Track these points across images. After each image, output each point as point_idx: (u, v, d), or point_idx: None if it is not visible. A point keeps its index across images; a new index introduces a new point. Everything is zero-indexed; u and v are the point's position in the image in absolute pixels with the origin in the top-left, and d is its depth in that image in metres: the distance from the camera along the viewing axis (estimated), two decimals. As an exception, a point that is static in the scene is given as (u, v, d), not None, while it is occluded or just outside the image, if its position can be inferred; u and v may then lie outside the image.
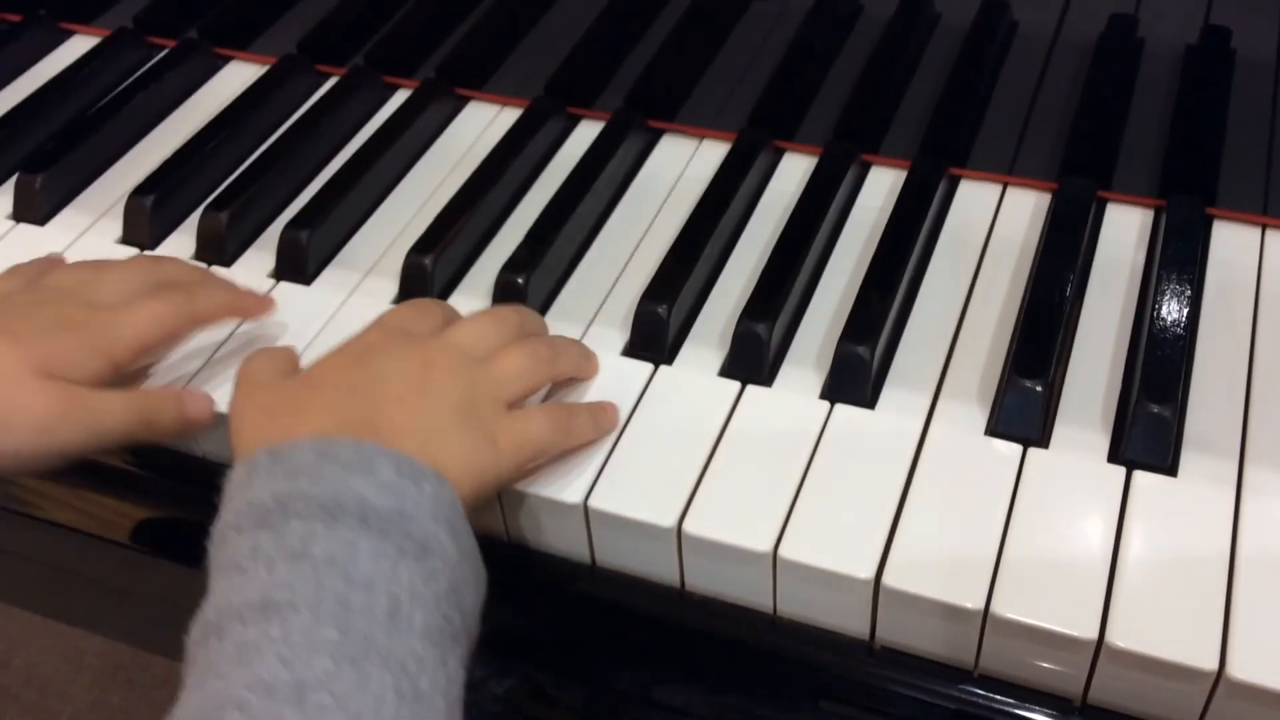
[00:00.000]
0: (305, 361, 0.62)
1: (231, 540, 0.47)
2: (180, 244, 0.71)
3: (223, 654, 0.43)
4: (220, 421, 0.58)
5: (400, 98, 0.80)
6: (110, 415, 0.56)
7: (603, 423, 0.57)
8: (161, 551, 0.66)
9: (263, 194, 0.72)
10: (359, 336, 0.57)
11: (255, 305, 0.63)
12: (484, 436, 0.53)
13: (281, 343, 0.63)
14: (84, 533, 0.67)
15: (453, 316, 0.60)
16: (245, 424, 0.54)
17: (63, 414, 0.55)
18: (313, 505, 0.47)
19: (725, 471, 0.55)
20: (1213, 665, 0.47)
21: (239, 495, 0.48)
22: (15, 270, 0.63)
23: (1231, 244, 0.66)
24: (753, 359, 0.60)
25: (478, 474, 0.52)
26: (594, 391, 0.59)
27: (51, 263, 0.64)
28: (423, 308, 0.60)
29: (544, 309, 0.65)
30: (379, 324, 0.58)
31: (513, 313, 0.60)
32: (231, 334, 0.63)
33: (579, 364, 0.60)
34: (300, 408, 0.53)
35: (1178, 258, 0.63)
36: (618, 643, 0.58)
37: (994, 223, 0.69)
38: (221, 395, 0.60)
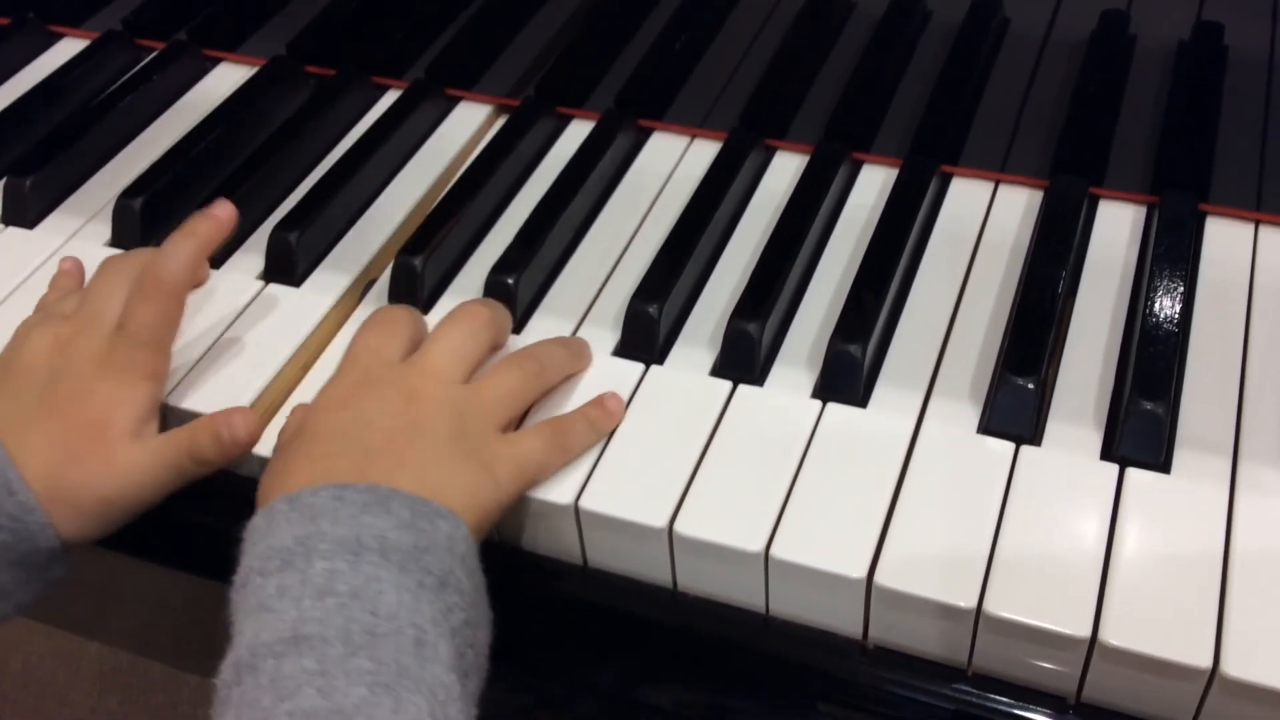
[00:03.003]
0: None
1: (256, 584, 0.47)
2: (170, 247, 0.70)
3: (259, 689, 0.43)
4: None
5: (390, 98, 0.80)
6: (155, 465, 0.56)
7: (601, 424, 0.56)
8: (155, 556, 0.66)
9: (252, 196, 0.72)
10: (337, 377, 0.57)
11: (211, 228, 0.60)
12: (481, 467, 0.53)
13: (271, 343, 0.63)
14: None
15: (420, 326, 0.60)
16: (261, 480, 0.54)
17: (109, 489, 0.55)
18: (335, 544, 0.47)
19: (717, 471, 0.55)
20: (1206, 663, 0.47)
21: (261, 542, 0.49)
22: None
23: (1224, 240, 0.66)
24: (744, 358, 0.60)
25: (479, 507, 0.52)
26: (585, 392, 0.59)
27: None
28: (389, 323, 0.58)
29: (533, 309, 0.65)
30: (351, 358, 0.57)
31: (482, 308, 0.59)
32: (216, 341, 0.63)
33: (567, 367, 0.59)
34: (287, 464, 0.53)
35: (1170, 254, 0.63)
36: (609, 644, 0.58)
37: (986, 220, 0.68)
38: (204, 401, 0.60)
